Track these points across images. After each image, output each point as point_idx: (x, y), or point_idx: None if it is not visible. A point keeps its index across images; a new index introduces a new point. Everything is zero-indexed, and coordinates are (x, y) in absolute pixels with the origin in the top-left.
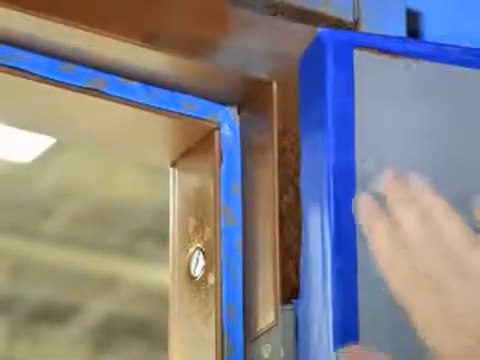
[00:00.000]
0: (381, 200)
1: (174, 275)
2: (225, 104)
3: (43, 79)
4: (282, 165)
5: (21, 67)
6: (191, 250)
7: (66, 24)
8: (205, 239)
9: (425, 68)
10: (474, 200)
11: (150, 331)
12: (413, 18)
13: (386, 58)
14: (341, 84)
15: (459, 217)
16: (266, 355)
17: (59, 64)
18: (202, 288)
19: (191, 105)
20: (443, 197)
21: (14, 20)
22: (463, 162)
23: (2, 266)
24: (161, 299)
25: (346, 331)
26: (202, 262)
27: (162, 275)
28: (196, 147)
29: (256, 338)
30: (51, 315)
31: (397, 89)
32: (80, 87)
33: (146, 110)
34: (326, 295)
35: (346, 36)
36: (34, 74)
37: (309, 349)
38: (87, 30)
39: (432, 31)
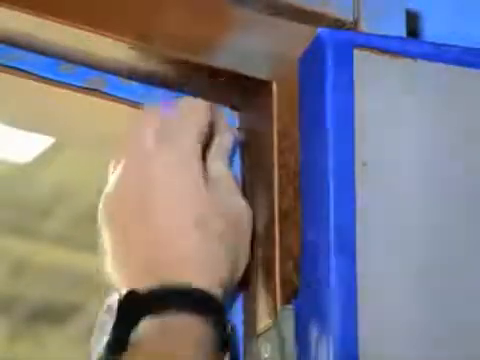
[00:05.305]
0: None
1: None
2: (225, 104)
3: (43, 79)
4: (282, 165)
5: (21, 67)
6: None
7: (66, 24)
8: None
9: (425, 68)
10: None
11: None
12: (413, 18)
13: (386, 58)
14: (341, 84)
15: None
16: (266, 355)
17: (59, 64)
18: None
19: None
20: (444, 196)
21: (14, 20)
22: (463, 162)
23: (2, 266)
24: None
25: (346, 331)
26: None
27: None
28: None
29: (256, 338)
30: (51, 315)
31: (397, 89)
32: (80, 87)
33: None
34: (326, 295)
35: (346, 36)
36: (34, 74)
37: (309, 349)
38: (87, 30)
39: (432, 31)
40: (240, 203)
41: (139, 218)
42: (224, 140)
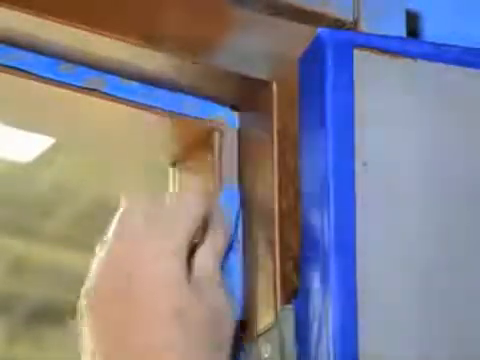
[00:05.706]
0: None
1: None
2: (225, 104)
3: (43, 79)
4: (282, 165)
5: (21, 67)
6: None
7: (66, 24)
8: None
9: (425, 68)
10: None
11: None
12: (413, 18)
13: (386, 58)
14: (341, 84)
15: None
16: (266, 355)
17: (59, 64)
18: None
19: (191, 105)
20: (444, 196)
21: (14, 20)
22: (463, 162)
23: (2, 265)
24: None
25: (346, 331)
26: None
27: None
28: (196, 147)
29: (256, 338)
30: (51, 315)
31: (397, 89)
32: (80, 87)
33: (146, 110)
34: (326, 295)
35: (346, 36)
36: (34, 74)
37: (309, 349)
38: (87, 30)
39: (432, 31)
40: (221, 300)
41: (119, 309)
42: (216, 243)
